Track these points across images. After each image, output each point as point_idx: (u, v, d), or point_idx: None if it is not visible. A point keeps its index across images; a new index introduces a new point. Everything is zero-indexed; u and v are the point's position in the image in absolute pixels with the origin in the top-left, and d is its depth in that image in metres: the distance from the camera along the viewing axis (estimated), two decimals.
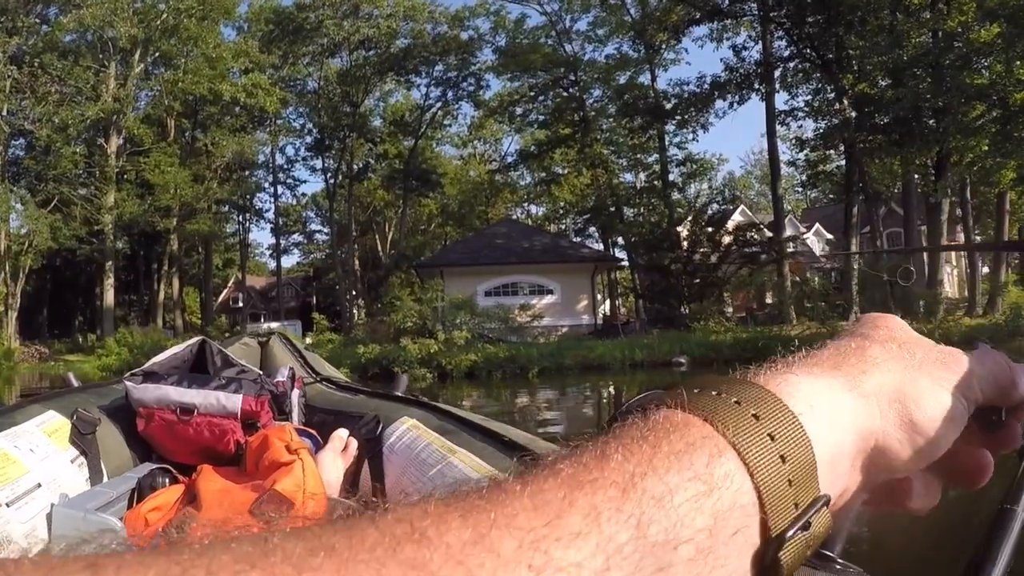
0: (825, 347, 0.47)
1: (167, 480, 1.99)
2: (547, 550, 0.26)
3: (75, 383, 2.58)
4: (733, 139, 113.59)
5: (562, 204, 49.39)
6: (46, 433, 2.00)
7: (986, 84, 23.71)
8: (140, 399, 2.24)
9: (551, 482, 0.31)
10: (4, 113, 37.10)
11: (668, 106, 36.41)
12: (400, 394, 2.60)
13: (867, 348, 0.46)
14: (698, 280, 32.12)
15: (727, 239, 32.81)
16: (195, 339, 2.51)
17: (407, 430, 2.21)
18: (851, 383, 0.43)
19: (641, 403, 0.40)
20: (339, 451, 2.13)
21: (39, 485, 1.81)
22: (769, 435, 0.37)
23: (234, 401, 2.22)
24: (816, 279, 36.05)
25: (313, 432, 2.22)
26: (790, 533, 0.36)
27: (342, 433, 2.18)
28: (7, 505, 1.68)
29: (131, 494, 1.93)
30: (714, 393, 0.39)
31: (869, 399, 0.43)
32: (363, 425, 2.29)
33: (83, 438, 2.08)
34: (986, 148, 25.50)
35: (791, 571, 0.37)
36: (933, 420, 0.44)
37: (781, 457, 0.37)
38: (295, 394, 2.60)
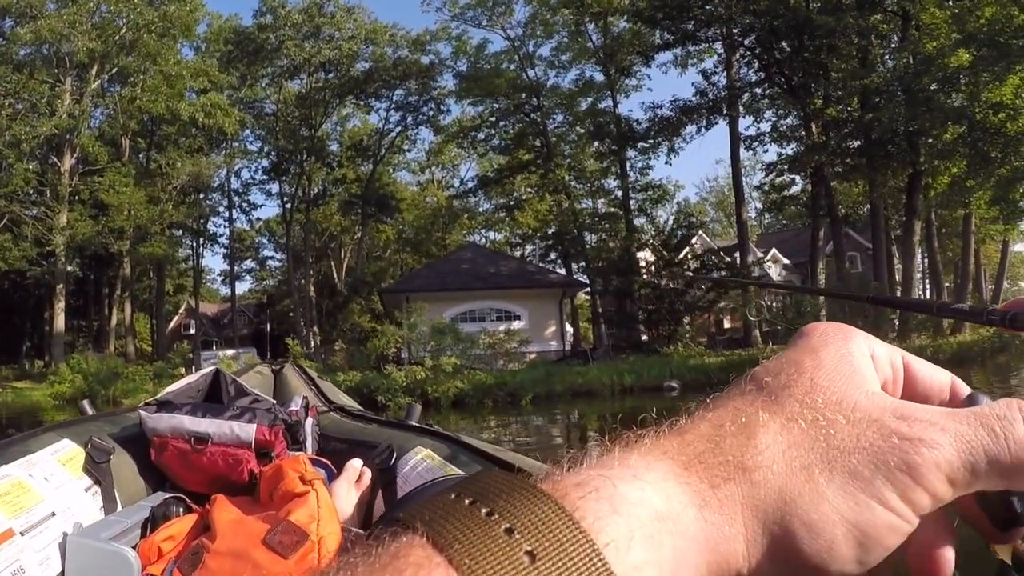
0: (705, 416, 0.36)
1: (181, 509, 1.98)
2: None
3: (89, 411, 2.56)
4: (684, 166, 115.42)
5: (524, 230, 49.60)
6: (60, 462, 1.98)
7: (962, 106, 24.07)
8: (154, 428, 2.22)
9: None
10: None
11: (640, 129, 36.64)
12: (414, 423, 2.61)
13: (758, 432, 0.34)
14: (666, 305, 32.37)
15: (694, 264, 33.03)
16: (209, 368, 2.50)
17: (421, 459, 2.21)
18: (704, 494, 0.32)
19: (396, 515, 0.30)
20: (353, 481, 2.12)
21: (53, 514, 1.78)
22: None
23: (248, 431, 2.21)
24: (774, 304, 36.59)
25: (327, 462, 2.23)
26: None
27: (356, 463, 2.16)
28: (21, 534, 1.65)
29: (145, 523, 1.93)
30: (484, 512, 0.29)
31: (730, 518, 0.32)
32: (377, 455, 2.28)
33: (97, 467, 2.06)
34: (956, 171, 26.10)
35: None
36: (831, 550, 0.32)
37: None
38: (309, 423, 2.60)
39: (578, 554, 0.28)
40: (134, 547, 1.78)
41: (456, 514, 0.29)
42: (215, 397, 2.37)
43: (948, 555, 0.37)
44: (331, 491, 1.96)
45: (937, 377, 0.41)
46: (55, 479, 1.90)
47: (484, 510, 0.29)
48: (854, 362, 0.37)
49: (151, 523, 1.92)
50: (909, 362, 0.41)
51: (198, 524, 1.89)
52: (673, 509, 0.31)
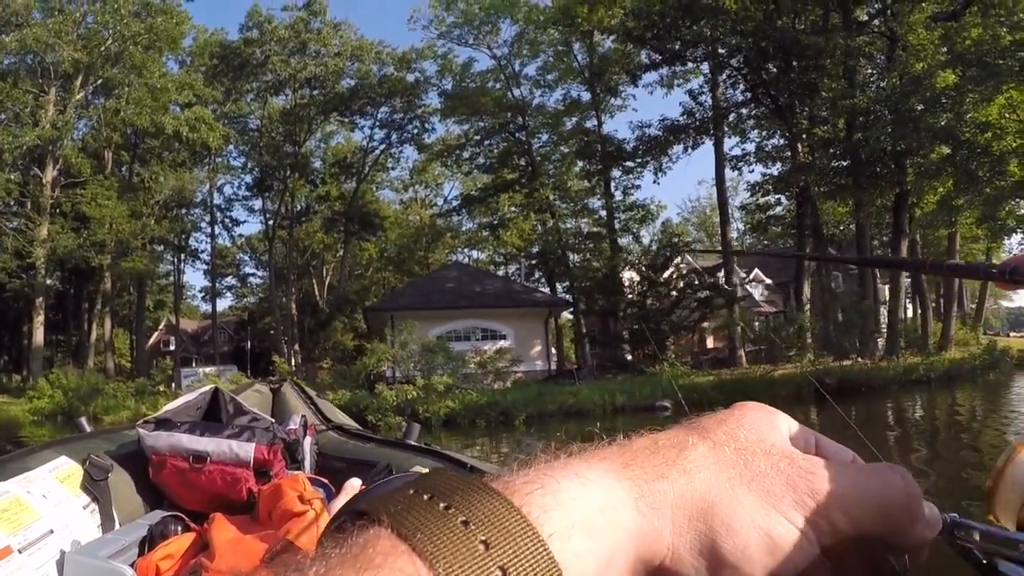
0: (642, 435, 0.41)
1: (179, 528, 1.99)
2: None
3: (87, 428, 2.54)
4: (666, 187, 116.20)
5: (508, 250, 49.53)
6: (58, 479, 1.98)
7: (950, 126, 24.20)
8: (153, 446, 2.22)
9: None
10: None
11: (628, 148, 36.76)
12: (412, 442, 2.61)
13: (688, 447, 0.39)
14: (652, 324, 32.37)
15: (681, 284, 33.04)
16: (208, 387, 2.50)
17: None
18: (639, 490, 0.36)
19: (359, 508, 0.34)
20: None
21: (51, 531, 1.78)
22: (500, 568, 0.30)
23: (247, 449, 2.22)
24: (757, 323, 36.80)
25: (326, 481, 2.23)
26: None
27: (355, 483, 2.16)
28: (19, 551, 1.65)
29: (143, 542, 1.93)
30: (441, 506, 0.32)
31: (660, 512, 0.36)
32: (375, 474, 2.29)
33: (95, 484, 2.05)
34: (943, 190, 26.38)
35: None
36: (745, 550, 0.36)
37: None
38: (307, 442, 2.60)
39: (526, 543, 0.31)
40: (132, 565, 1.80)
41: (417, 508, 0.32)
42: (214, 415, 2.36)
43: None
44: (330, 510, 1.96)
45: (843, 454, 0.45)
46: (53, 496, 1.90)
47: (442, 504, 0.32)
48: (775, 423, 0.43)
49: (149, 541, 1.92)
50: (820, 441, 0.46)
51: (196, 543, 1.89)
52: (610, 502, 0.35)
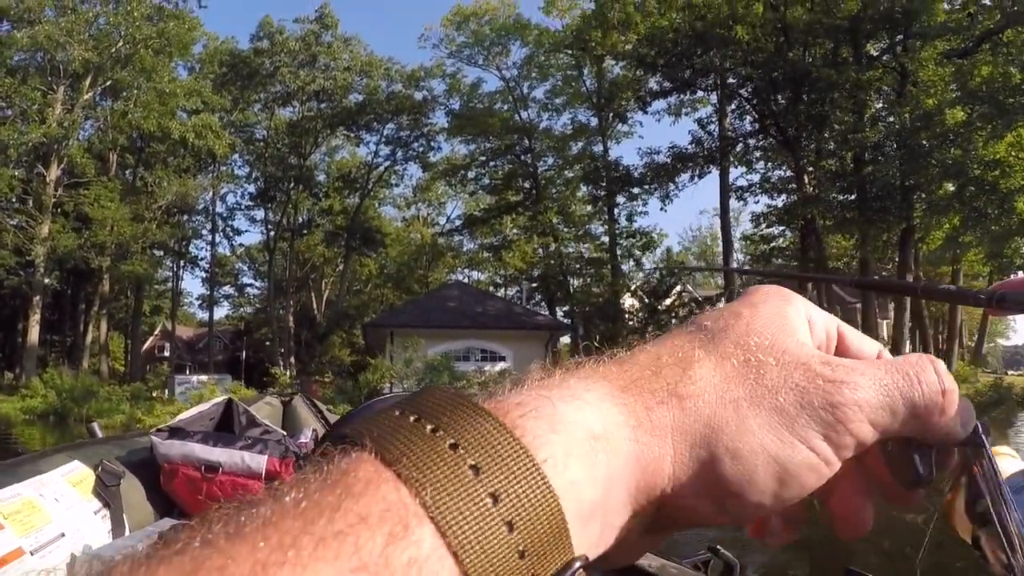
0: (645, 348, 0.39)
1: None
2: None
3: (99, 433, 2.53)
4: (667, 216, 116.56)
5: (509, 271, 49.49)
6: (71, 483, 1.98)
7: (960, 162, 24.32)
8: (166, 454, 2.22)
9: (166, 566, 0.24)
10: None
11: (636, 174, 36.86)
12: None
13: (692, 363, 0.37)
14: None
15: (682, 312, 32.95)
16: (222, 398, 2.51)
17: None
18: (638, 415, 0.34)
19: (342, 431, 0.31)
20: None
21: (63, 535, 1.79)
22: (492, 495, 0.29)
23: (259, 461, 2.22)
24: None
25: None
26: None
27: None
28: (31, 553, 1.66)
29: None
30: (428, 428, 0.30)
31: (661, 440, 0.34)
32: None
33: (107, 490, 2.06)
34: (949, 227, 26.48)
35: None
36: (752, 478, 0.35)
37: (507, 524, 0.28)
38: None
39: (519, 468, 0.29)
40: None
41: (402, 431, 0.30)
42: (226, 426, 2.37)
43: (869, 508, 0.40)
44: None
45: (867, 345, 0.43)
46: (65, 500, 1.91)
47: (429, 426, 0.30)
48: (789, 317, 0.39)
49: None
50: (843, 331, 0.43)
51: None
52: (608, 428, 0.33)
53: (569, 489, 0.30)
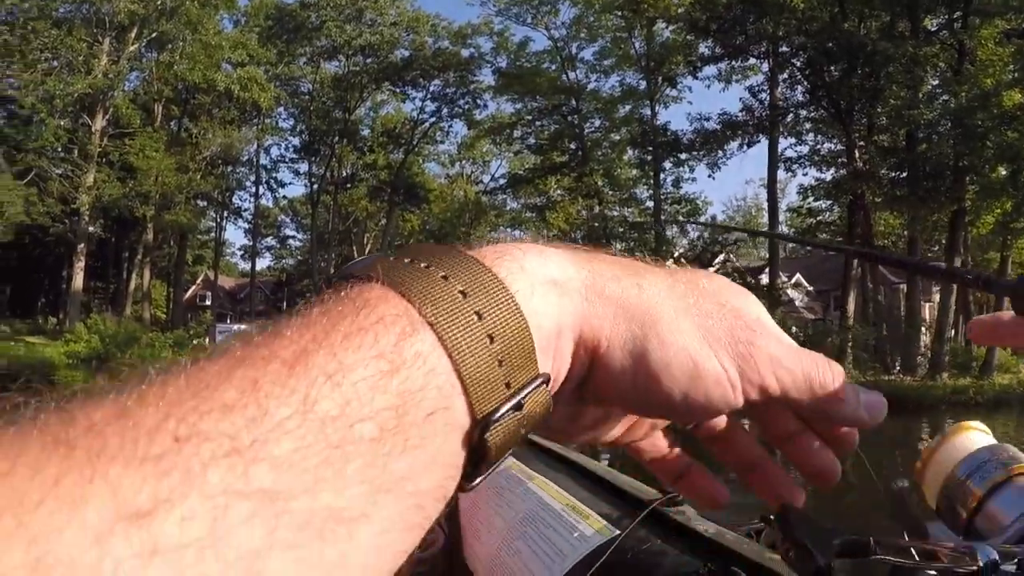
0: (607, 253, 0.44)
1: None
2: (194, 422, 0.26)
3: None
4: (711, 184, 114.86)
5: (552, 233, 49.05)
6: None
7: (1016, 145, 23.64)
8: None
9: (217, 361, 0.29)
10: None
11: (685, 140, 36.31)
12: None
13: (647, 272, 0.43)
14: None
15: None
16: None
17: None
18: (591, 280, 0.40)
19: (348, 271, 0.38)
20: None
21: None
22: (476, 313, 0.35)
23: None
24: (795, 328, 36.04)
25: None
26: (499, 414, 0.35)
27: None
28: None
29: None
30: (423, 265, 0.36)
31: (605, 303, 0.40)
32: None
33: None
34: (1000, 212, 25.81)
35: (502, 451, 0.36)
36: (669, 366, 0.40)
37: (489, 336, 0.35)
38: None
39: (498, 294, 0.36)
40: None
41: (401, 267, 0.36)
42: None
43: (827, 454, 0.47)
44: None
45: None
46: None
47: (423, 264, 0.36)
48: (742, 292, 0.45)
49: None
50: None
51: None
52: (567, 280, 0.39)
53: (533, 315, 0.37)
